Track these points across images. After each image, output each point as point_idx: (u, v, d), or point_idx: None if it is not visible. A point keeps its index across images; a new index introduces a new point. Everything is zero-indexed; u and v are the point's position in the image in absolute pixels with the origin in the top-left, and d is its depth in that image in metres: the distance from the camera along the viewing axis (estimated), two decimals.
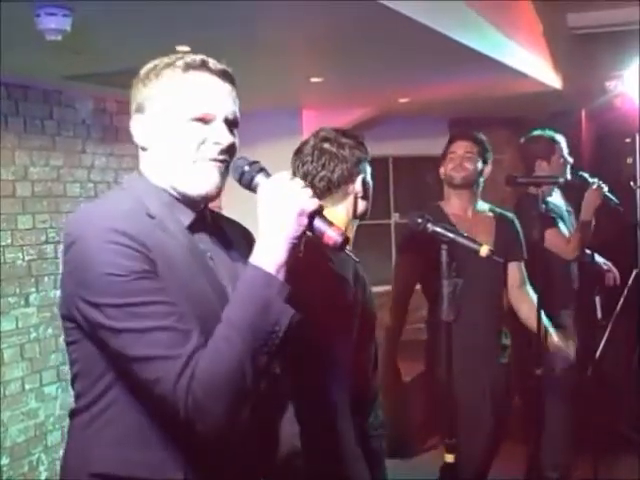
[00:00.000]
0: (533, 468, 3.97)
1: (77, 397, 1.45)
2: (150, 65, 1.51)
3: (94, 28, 2.72)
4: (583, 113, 5.35)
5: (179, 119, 1.44)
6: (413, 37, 3.20)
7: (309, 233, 1.39)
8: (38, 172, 4.11)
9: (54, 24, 2.50)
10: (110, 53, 3.21)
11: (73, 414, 1.46)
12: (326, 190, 2.09)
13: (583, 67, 4.87)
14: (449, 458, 2.21)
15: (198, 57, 1.48)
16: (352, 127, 5.47)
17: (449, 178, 3.20)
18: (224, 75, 1.49)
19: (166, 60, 1.50)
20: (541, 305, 3.16)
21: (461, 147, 3.25)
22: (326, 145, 2.09)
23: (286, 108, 4.90)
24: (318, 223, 1.38)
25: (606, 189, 3.63)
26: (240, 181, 1.42)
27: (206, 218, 1.51)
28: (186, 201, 1.47)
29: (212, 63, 1.48)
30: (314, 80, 4.11)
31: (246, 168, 1.42)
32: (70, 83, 3.95)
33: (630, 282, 3.90)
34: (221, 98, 1.48)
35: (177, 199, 1.47)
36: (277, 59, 3.45)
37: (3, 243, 3.89)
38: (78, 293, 1.34)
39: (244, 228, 1.69)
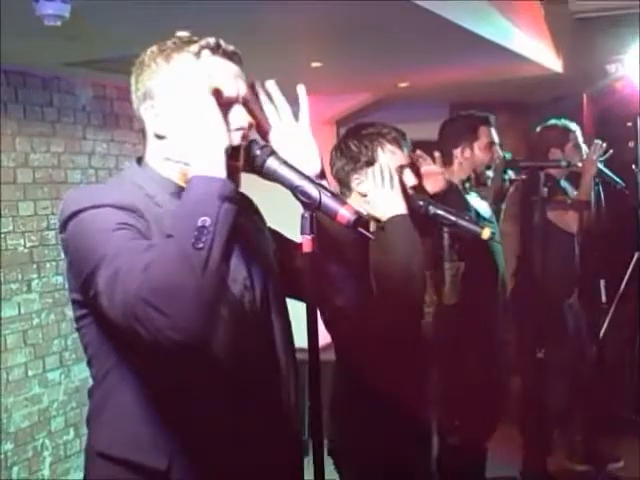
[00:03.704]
0: (531, 450, 3.99)
1: (92, 379, 1.51)
2: (154, 49, 1.47)
3: (93, 13, 2.71)
4: (584, 97, 5.34)
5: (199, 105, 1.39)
6: (414, 21, 3.18)
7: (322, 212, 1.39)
8: (39, 159, 4.11)
9: (52, 10, 2.49)
10: (109, 39, 3.20)
11: (89, 394, 1.53)
12: None
13: (584, 51, 4.84)
14: (452, 440, 2.23)
15: (211, 40, 1.44)
16: (353, 113, 5.46)
17: (484, 173, 3.21)
18: (235, 57, 1.48)
19: (173, 43, 1.45)
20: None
21: (495, 135, 3.27)
22: None
23: (287, 94, 4.87)
24: (330, 202, 1.37)
25: (603, 157, 3.64)
26: (252, 166, 1.41)
27: None
28: None
29: (224, 46, 1.45)
30: (314, 65, 4.09)
31: (257, 152, 1.41)
32: (70, 70, 3.94)
33: (632, 265, 3.91)
34: (236, 81, 1.46)
35: (183, 188, 1.42)
36: (277, 44, 3.44)
37: (4, 230, 3.90)
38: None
39: (246, 197, 1.66)
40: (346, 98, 5.39)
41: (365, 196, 2.26)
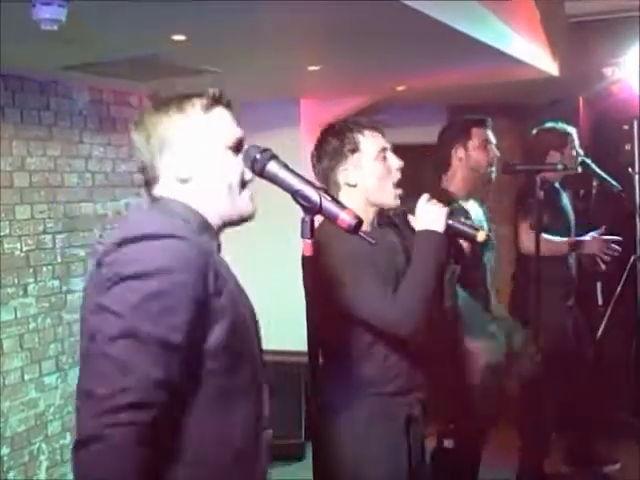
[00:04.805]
0: (528, 452, 3.99)
1: None
2: (163, 99, 1.60)
3: (90, 17, 2.71)
4: (581, 100, 5.35)
5: (218, 149, 1.53)
6: (411, 25, 3.19)
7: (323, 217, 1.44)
8: (35, 162, 4.10)
9: (49, 14, 2.49)
10: (106, 42, 3.20)
11: None
12: None
13: (580, 54, 4.86)
14: (448, 443, 2.23)
15: (214, 91, 1.58)
16: (350, 116, 5.44)
17: (486, 172, 3.22)
18: (230, 104, 1.62)
19: (179, 97, 1.58)
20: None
21: (491, 135, 3.28)
22: None
23: (284, 97, 4.88)
24: (331, 206, 1.38)
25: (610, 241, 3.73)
26: (252, 169, 1.44)
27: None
28: (221, 226, 1.56)
29: (223, 96, 1.60)
30: (312, 68, 4.09)
31: (257, 156, 1.44)
32: (67, 74, 3.94)
33: (628, 268, 3.91)
34: (237, 125, 1.61)
35: (210, 225, 1.53)
36: (275, 47, 3.44)
37: (1, 233, 3.89)
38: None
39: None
40: (343, 101, 5.39)
41: (355, 186, 2.24)
